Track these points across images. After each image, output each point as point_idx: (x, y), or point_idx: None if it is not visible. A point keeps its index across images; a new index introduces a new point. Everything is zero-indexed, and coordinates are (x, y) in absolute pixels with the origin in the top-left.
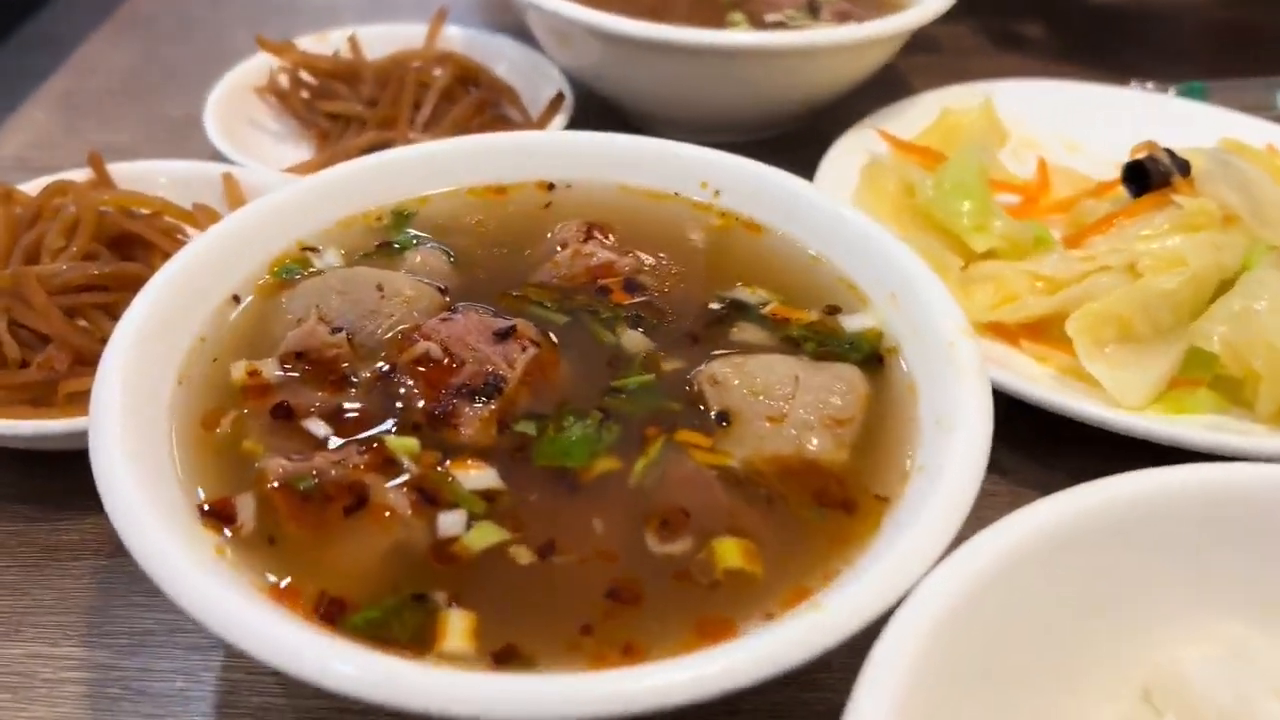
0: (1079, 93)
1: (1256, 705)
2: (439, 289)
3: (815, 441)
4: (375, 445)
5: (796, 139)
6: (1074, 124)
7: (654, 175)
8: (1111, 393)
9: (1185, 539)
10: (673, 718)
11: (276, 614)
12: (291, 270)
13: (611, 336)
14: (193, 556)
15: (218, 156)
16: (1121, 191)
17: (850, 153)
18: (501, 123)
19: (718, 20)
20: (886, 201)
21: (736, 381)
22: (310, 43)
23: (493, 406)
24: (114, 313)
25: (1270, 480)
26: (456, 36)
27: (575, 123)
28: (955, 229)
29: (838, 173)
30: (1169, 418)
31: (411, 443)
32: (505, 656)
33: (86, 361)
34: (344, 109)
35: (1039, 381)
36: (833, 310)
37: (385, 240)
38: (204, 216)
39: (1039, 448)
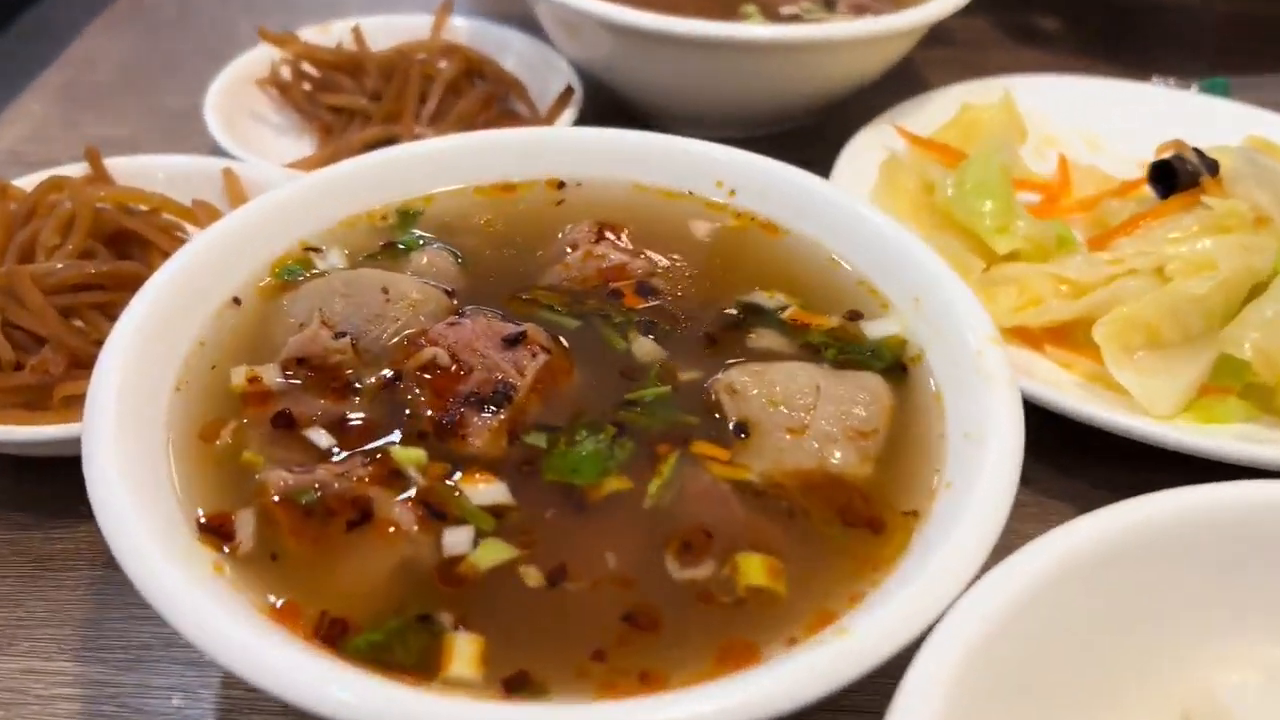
0: (1100, 88)
1: None
2: (446, 292)
3: (838, 455)
4: (380, 457)
5: (811, 135)
6: (1095, 120)
7: (667, 173)
8: (1140, 401)
9: (1225, 557)
10: None
11: (275, 636)
12: (294, 271)
13: (625, 343)
14: (189, 573)
15: (218, 150)
16: (1146, 191)
17: (867, 149)
18: (509, 117)
19: (731, 13)
20: (905, 200)
21: (755, 391)
22: (313, 34)
23: (502, 416)
24: (111, 313)
25: None
26: (462, 28)
27: (584, 117)
28: (977, 229)
29: (854, 170)
30: (1199, 427)
31: (418, 454)
32: (516, 684)
33: (82, 364)
34: (347, 102)
35: (1064, 389)
36: (854, 316)
37: (390, 240)
38: (204, 213)
39: (1064, 456)
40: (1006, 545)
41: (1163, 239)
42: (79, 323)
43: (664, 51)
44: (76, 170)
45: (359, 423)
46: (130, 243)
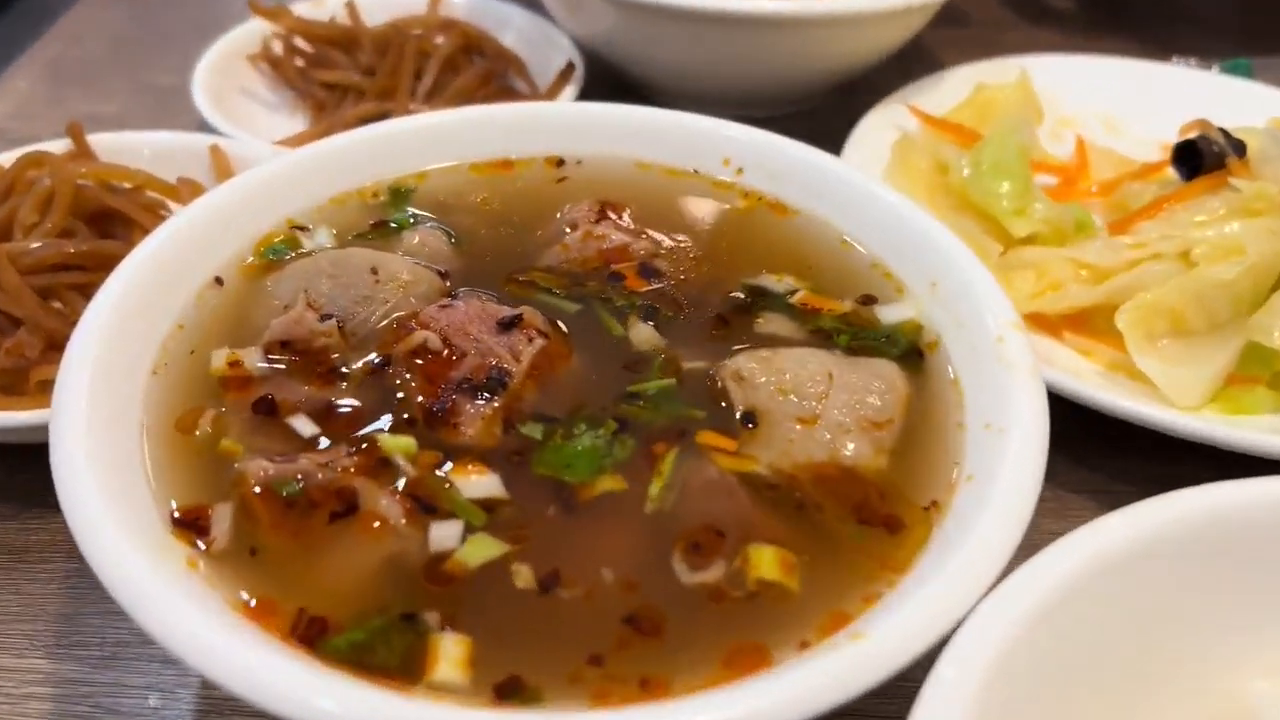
0: (1118, 69)
1: None
2: (439, 273)
3: (851, 446)
4: (366, 446)
5: (820, 115)
6: (1113, 102)
7: (672, 150)
8: (1164, 391)
9: (1259, 555)
10: None
11: (249, 637)
12: (279, 250)
13: (626, 329)
14: (160, 569)
15: (206, 128)
16: (1168, 174)
17: (879, 129)
18: (507, 94)
19: None
20: (919, 181)
21: (763, 378)
22: (306, 8)
23: (496, 404)
24: (91, 294)
25: None
26: (460, 3)
27: (586, 95)
28: (994, 212)
29: (866, 150)
30: (1226, 418)
31: (407, 442)
32: (508, 690)
33: (60, 346)
34: (340, 78)
35: (1084, 378)
36: (868, 300)
37: (381, 219)
38: (188, 191)
39: (1082, 448)
40: (1025, 542)
41: (1188, 222)
42: (57, 304)
43: (668, 26)
44: (59, 146)
45: (345, 410)
46: (112, 221)
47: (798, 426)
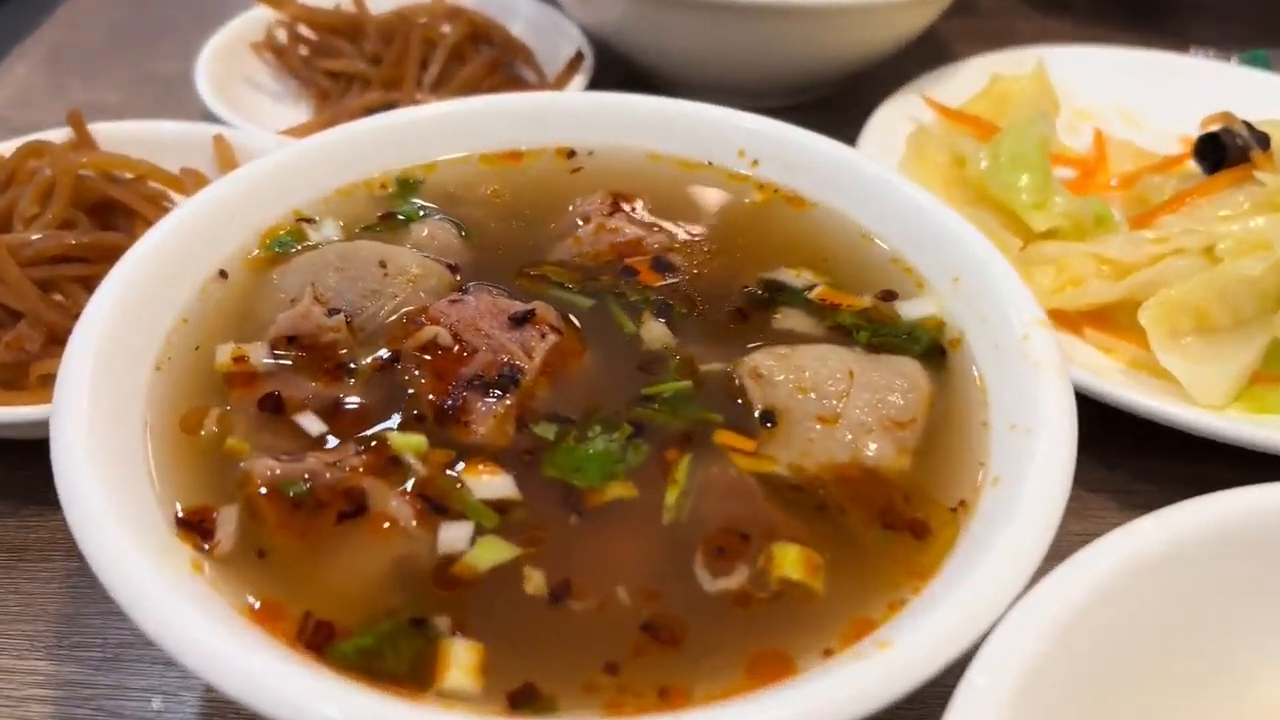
0: (1135, 60)
1: None
2: (448, 266)
3: (874, 446)
4: (375, 444)
5: (833, 106)
6: (1130, 93)
7: (685, 142)
8: (1188, 389)
9: None
10: None
11: (253, 641)
12: (285, 243)
13: (640, 326)
14: (162, 571)
15: (210, 117)
16: (1188, 167)
17: (893, 121)
18: (515, 84)
19: None
20: (935, 173)
21: (782, 376)
22: None
23: (508, 402)
24: (92, 286)
25: None
26: None
27: (595, 85)
28: (1013, 205)
29: (881, 142)
30: (1251, 417)
31: (418, 440)
32: (522, 698)
33: (61, 340)
34: (345, 67)
35: (1106, 375)
36: (888, 295)
37: (389, 211)
38: (192, 182)
39: (1103, 446)
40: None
41: (1212, 217)
42: (58, 297)
43: (679, 15)
44: (60, 136)
45: (353, 407)
46: (114, 212)
47: (818, 426)
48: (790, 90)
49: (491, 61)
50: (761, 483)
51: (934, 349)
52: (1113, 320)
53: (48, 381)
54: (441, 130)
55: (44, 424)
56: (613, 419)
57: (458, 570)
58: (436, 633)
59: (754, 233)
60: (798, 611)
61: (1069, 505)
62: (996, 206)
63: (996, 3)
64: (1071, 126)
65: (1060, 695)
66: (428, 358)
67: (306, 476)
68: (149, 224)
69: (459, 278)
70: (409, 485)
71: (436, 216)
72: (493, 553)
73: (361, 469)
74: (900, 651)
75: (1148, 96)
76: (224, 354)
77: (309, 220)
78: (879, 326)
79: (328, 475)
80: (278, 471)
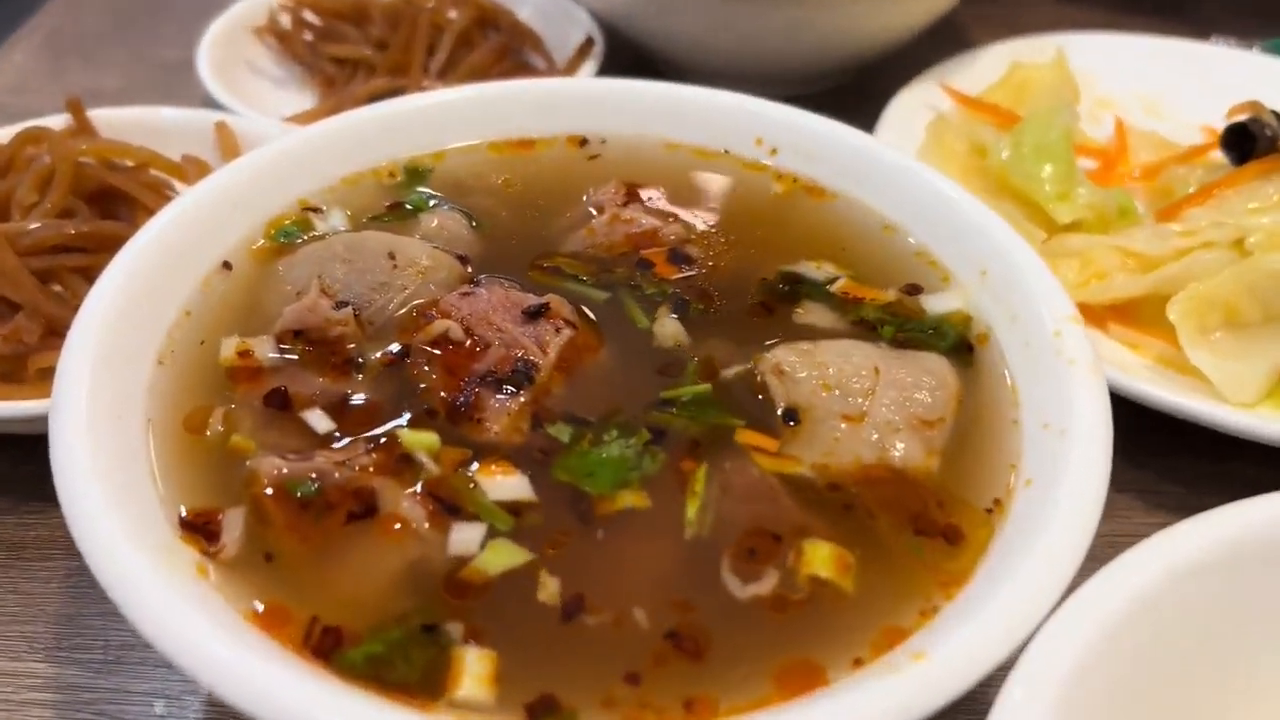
0: (1155, 48)
1: None
2: (459, 258)
3: (901, 446)
4: (385, 442)
5: (849, 94)
6: (1151, 82)
7: (701, 130)
8: (1217, 386)
9: None
10: None
11: (258, 648)
12: (291, 233)
13: (657, 323)
14: (163, 573)
15: (211, 103)
16: (1212, 158)
17: (911, 109)
18: (524, 70)
19: None
20: (955, 163)
21: (805, 373)
22: None
23: (522, 398)
24: (92, 277)
25: None
26: None
27: (605, 72)
28: (1036, 196)
29: (899, 131)
30: None
31: (430, 437)
32: (540, 710)
33: (60, 332)
34: (351, 52)
35: (1132, 371)
36: (913, 289)
37: (397, 200)
38: (194, 169)
39: (1129, 443)
40: None
41: (1240, 209)
42: (57, 287)
43: None
44: (58, 122)
45: (362, 404)
46: (114, 201)
47: (843, 425)
48: (805, 78)
49: (500, 48)
50: (785, 484)
51: (961, 345)
52: (1139, 315)
53: (47, 375)
54: (450, 117)
55: (43, 419)
56: (631, 423)
57: (468, 575)
58: (449, 640)
59: (773, 224)
60: (827, 618)
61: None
62: (1018, 197)
63: None
64: (1092, 116)
65: (1102, 705)
66: (438, 352)
67: (315, 476)
68: (150, 213)
69: (470, 270)
70: (420, 485)
71: (446, 206)
72: (504, 557)
73: (372, 468)
74: (936, 664)
75: (1169, 85)
76: (228, 348)
77: (315, 210)
78: (904, 321)
79: (337, 475)
80: (285, 471)
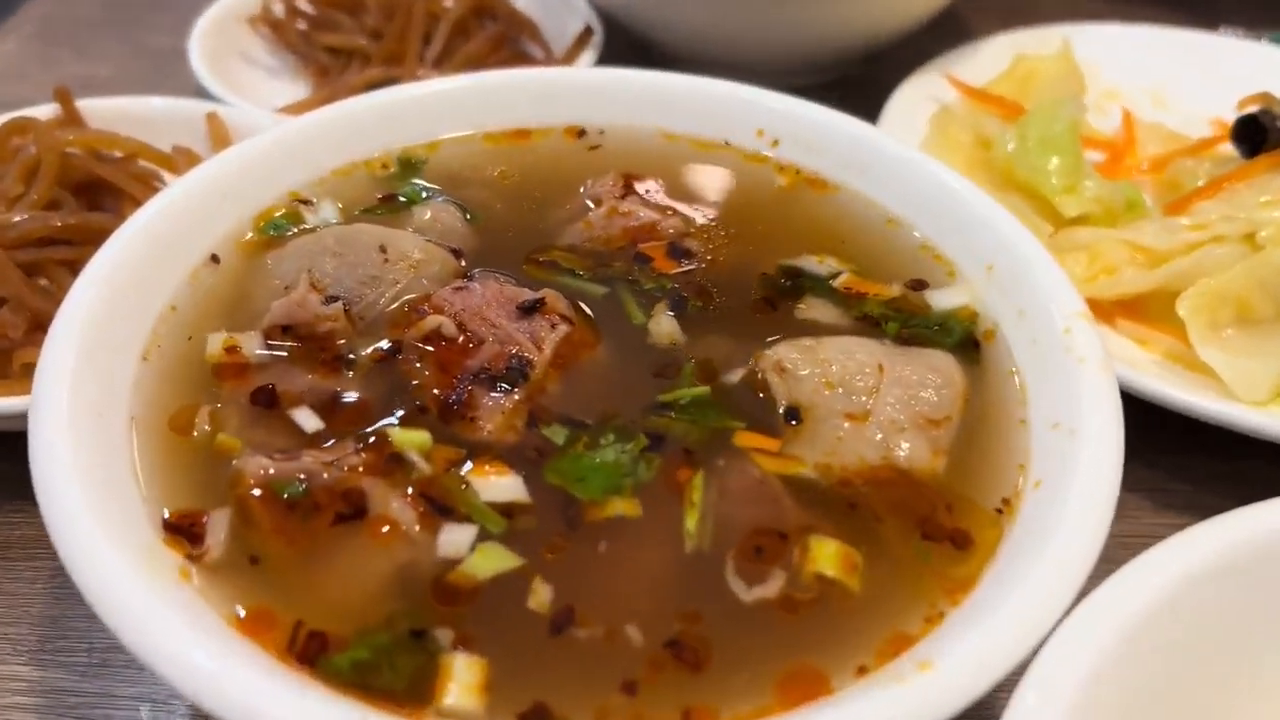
0: (1162, 38)
1: None
2: (452, 251)
3: (906, 446)
4: (375, 441)
5: (851, 85)
6: (1158, 73)
7: (701, 121)
8: (1229, 384)
9: None
10: None
11: (241, 655)
12: (280, 226)
13: (655, 322)
14: (144, 578)
15: (203, 93)
16: (1221, 150)
17: (914, 101)
18: (521, 60)
19: None
20: (959, 155)
21: (807, 370)
22: None
23: (517, 396)
24: (79, 270)
25: None
26: None
27: (604, 62)
28: (1042, 189)
29: (902, 123)
30: None
31: (422, 436)
32: (533, 718)
33: (46, 327)
34: (345, 42)
35: (1141, 368)
36: (917, 285)
37: (390, 192)
38: (184, 160)
39: (1138, 442)
40: None
41: (1251, 203)
42: (43, 281)
43: None
44: (46, 112)
45: (352, 401)
46: (102, 192)
47: (846, 424)
48: (807, 69)
49: (496, 37)
50: (787, 485)
51: (967, 341)
52: (1148, 310)
53: (31, 371)
54: (445, 107)
55: (26, 416)
56: (629, 428)
57: (456, 579)
58: (437, 646)
59: (774, 217)
60: (831, 622)
61: None
62: (1024, 190)
63: None
64: (1098, 107)
65: (1117, 710)
66: (431, 349)
67: (302, 476)
68: (138, 205)
69: (463, 264)
70: (411, 486)
71: (440, 199)
72: (493, 561)
73: (361, 468)
74: (942, 673)
75: (1176, 76)
76: (215, 343)
77: (306, 202)
78: (909, 317)
79: (325, 475)
80: (272, 471)
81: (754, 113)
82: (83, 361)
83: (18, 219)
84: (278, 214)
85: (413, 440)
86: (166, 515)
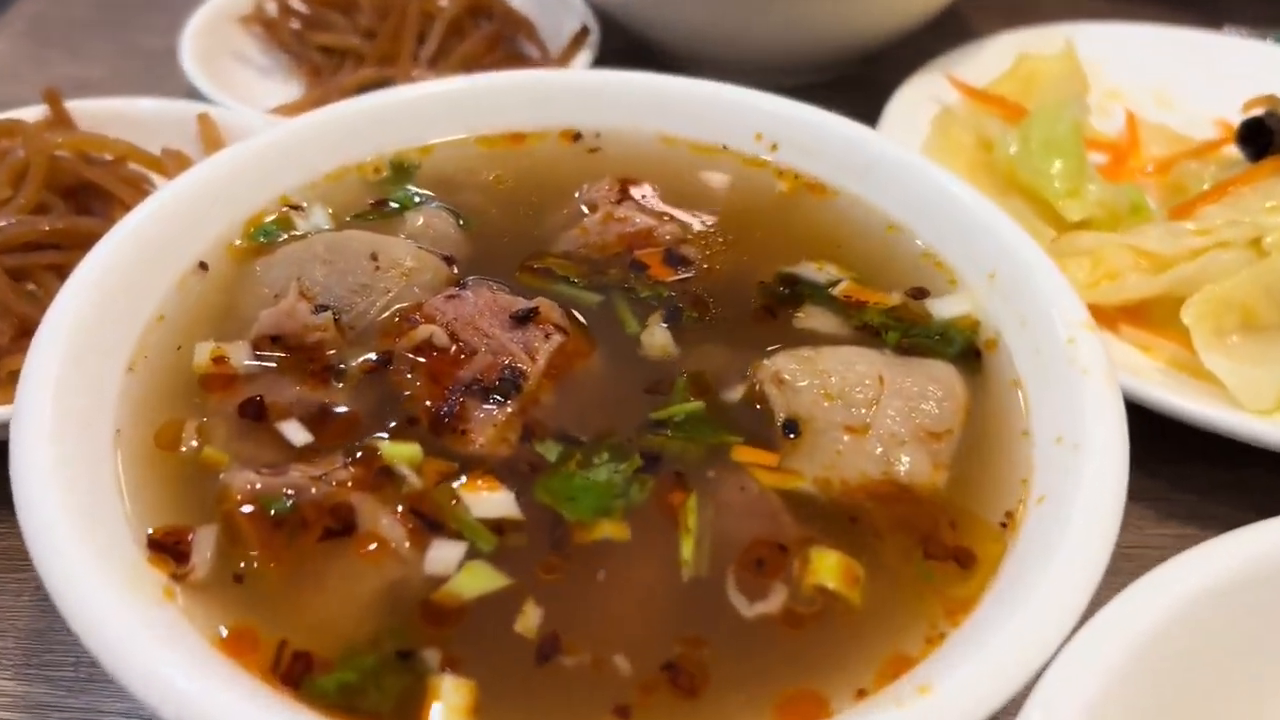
0: (1166, 38)
1: None
2: (445, 258)
3: (907, 460)
4: (365, 454)
5: (851, 85)
6: (1162, 73)
7: (698, 123)
8: (1233, 392)
9: None
10: None
11: (224, 678)
12: (270, 232)
13: (649, 334)
14: (128, 599)
15: (195, 94)
16: (1227, 153)
17: (916, 102)
18: (517, 60)
19: None
20: (961, 157)
21: (806, 381)
22: None
23: (510, 409)
24: (67, 275)
25: None
26: None
27: (602, 62)
28: (1045, 193)
29: (903, 125)
30: None
31: (412, 449)
32: None
33: (33, 333)
34: (338, 41)
35: (1144, 375)
36: (918, 293)
37: (382, 198)
38: (174, 163)
39: (1141, 450)
40: None
41: (1257, 207)
42: (31, 286)
43: None
44: (36, 114)
45: (341, 413)
46: (91, 196)
47: (846, 437)
48: (806, 68)
49: (492, 36)
50: (785, 500)
51: (968, 350)
52: (1152, 316)
53: (17, 378)
54: (438, 110)
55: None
56: (624, 446)
57: (441, 598)
58: (425, 668)
59: (773, 223)
60: (830, 643)
61: None
62: (1027, 194)
63: None
64: (1101, 108)
65: None
66: (422, 359)
67: (290, 492)
68: (127, 209)
69: (456, 271)
70: (401, 500)
71: (432, 204)
72: (480, 580)
73: (350, 483)
74: (942, 697)
75: (1180, 76)
76: (202, 353)
77: (297, 207)
78: (909, 326)
79: (313, 490)
80: (258, 486)
81: (753, 116)
82: (69, 369)
83: (4, 223)
84: (268, 219)
85: (403, 453)
86: (152, 533)
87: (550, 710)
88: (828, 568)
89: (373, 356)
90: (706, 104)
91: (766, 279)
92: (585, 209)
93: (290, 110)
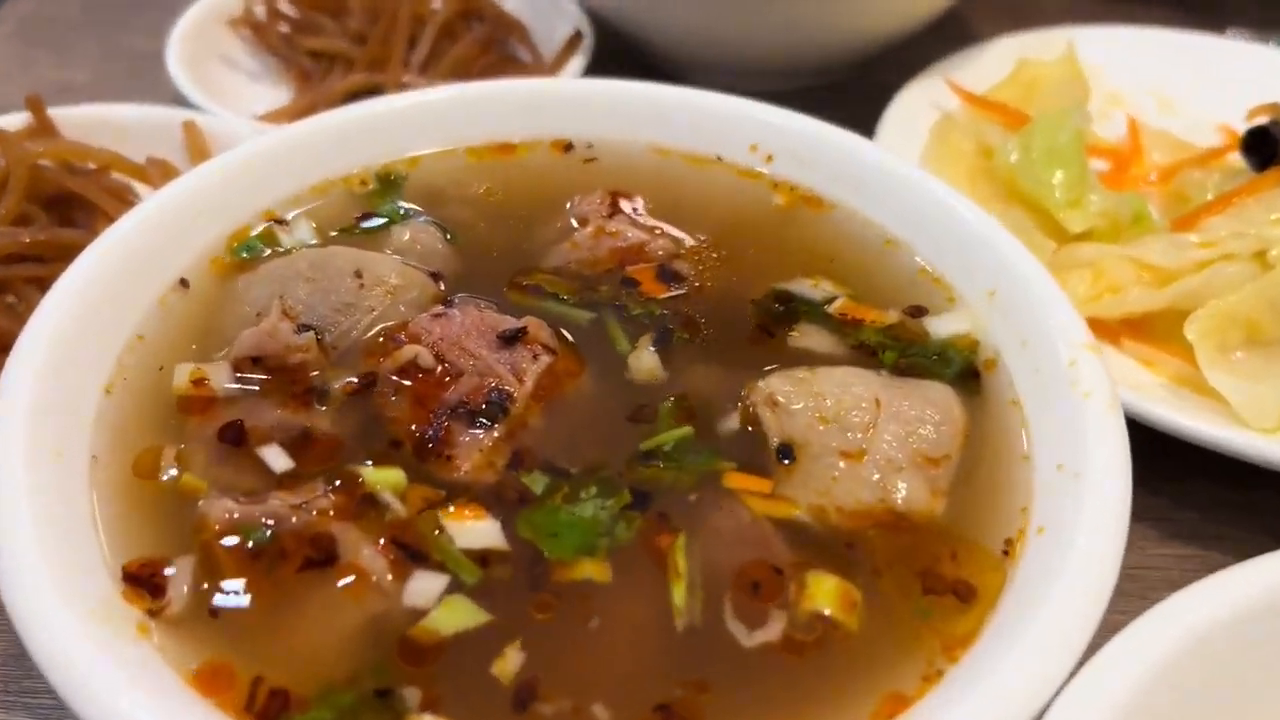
0: (1168, 41)
1: None
2: (431, 275)
3: (904, 487)
4: (345, 482)
5: (848, 90)
6: (1164, 77)
7: (692, 134)
8: (1238, 410)
9: None
10: None
11: (195, 717)
12: (254, 248)
13: (635, 353)
14: (100, 637)
15: (182, 100)
16: (1231, 161)
17: (914, 108)
18: (509, 64)
19: None
20: (961, 164)
21: (800, 404)
22: None
23: (496, 433)
24: (49, 288)
25: None
26: None
27: (595, 67)
28: (1046, 203)
29: (902, 131)
30: None
31: (396, 475)
32: None
33: (10, 348)
34: (328, 46)
35: (1146, 391)
36: (916, 311)
37: (367, 211)
38: (158, 172)
39: (1142, 468)
40: None
41: (1262, 219)
42: (10, 299)
43: None
44: (18, 121)
45: (323, 438)
46: (73, 206)
47: (841, 463)
48: (804, 73)
49: (484, 40)
50: (779, 528)
51: (967, 371)
52: (1154, 331)
53: None
54: (426, 120)
55: None
56: (614, 481)
57: (418, 634)
58: (404, 707)
59: (767, 238)
60: (825, 684)
61: None
62: (1027, 204)
63: None
64: (1102, 113)
65: None
66: (407, 382)
67: (269, 521)
68: (111, 220)
69: (443, 288)
70: (384, 530)
71: (420, 218)
72: (459, 616)
73: (331, 511)
74: None
75: (1182, 81)
76: (182, 375)
77: (281, 222)
78: (906, 346)
79: (293, 519)
80: (236, 516)
81: (748, 126)
82: (47, 385)
83: None
84: (252, 234)
85: (386, 480)
86: (126, 566)
87: None
88: (825, 592)
89: (356, 379)
90: (700, 113)
91: (761, 296)
92: (576, 223)
93: (280, 116)
